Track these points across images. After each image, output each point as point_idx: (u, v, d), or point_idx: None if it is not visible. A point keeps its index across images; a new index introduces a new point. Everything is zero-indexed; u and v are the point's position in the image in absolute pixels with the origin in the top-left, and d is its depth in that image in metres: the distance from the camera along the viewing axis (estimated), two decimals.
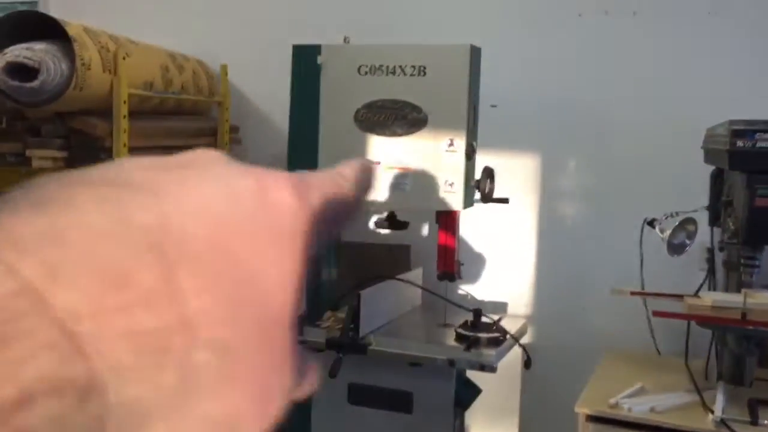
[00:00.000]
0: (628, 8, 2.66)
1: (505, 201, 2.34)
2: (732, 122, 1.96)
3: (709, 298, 2.02)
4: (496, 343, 2.17)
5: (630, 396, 2.08)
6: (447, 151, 2.20)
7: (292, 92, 2.37)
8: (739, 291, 2.01)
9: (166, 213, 0.23)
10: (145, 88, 2.58)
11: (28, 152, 2.39)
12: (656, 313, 2.10)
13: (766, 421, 1.89)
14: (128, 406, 0.21)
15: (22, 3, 3.65)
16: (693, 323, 2.16)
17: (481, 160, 2.32)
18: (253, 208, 0.24)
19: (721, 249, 2.19)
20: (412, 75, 2.21)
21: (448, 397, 2.17)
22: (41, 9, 3.32)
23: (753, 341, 2.01)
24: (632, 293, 2.31)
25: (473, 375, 2.25)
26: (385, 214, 2.33)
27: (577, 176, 2.79)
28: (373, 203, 2.29)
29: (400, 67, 2.21)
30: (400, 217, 2.33)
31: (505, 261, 2.85)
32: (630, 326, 2.58)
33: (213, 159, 0.27)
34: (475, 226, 2.80)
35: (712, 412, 1.92)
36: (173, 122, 2.85)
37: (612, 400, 2.03)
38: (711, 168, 2.26)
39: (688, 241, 2.19)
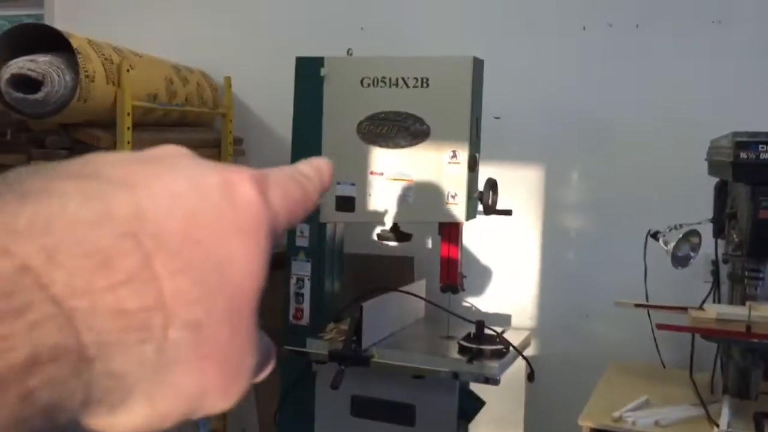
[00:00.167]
0: (631, 20, 2.66)
1: (508, 213, 2.34)
2: (735, 134, 1.95)
3: (714, 310, 2.01)
4: (499, 355, 2.17)
5: (634, 409, 2.06)
6: (450, 162, 2.19)
7: (295, 104, 2.38)
8: (743, 303, 2.00)
9: (142, 206, 0.25)
10: (149, 100, 2.59)
11: (32, 164, 2.40)
12: (660, 326, 2.08)
13: None
14: (113, 377, 0.24)
15: (28, 16, 3.67)
16: (698, 336, 2.14)
17: (484, 172, 2.32)
18: (219, 201, 0.27)
19: (725, 261, 2.17)
20: (414, 87, 2.21)
21: (452, 409, 2.16)
22: (46, 21, 3.35)
23: (758, 354, 2.00)
24: (636, 306, 2.30)
25: (476, 387, 2.24)
26: (388, 226, 2.32)
27: (580, 188, 2.78)
28: (376, 215, 2.29)
29: (403, 79, 2.21)
30: (404, 228, 2.33)
31: (509, 273, 2.84)
32: (634, 339, 2.56)
33: (180, 155, 0.29)
34: (479, 238, 2.80)
35: (718, 426, 1.91)
36: (177, 134, 2.86)
37: (616, 413, 2.02)
38: (715, 180, 2.25)
39: (692, 254, 2.18)
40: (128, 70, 2.42)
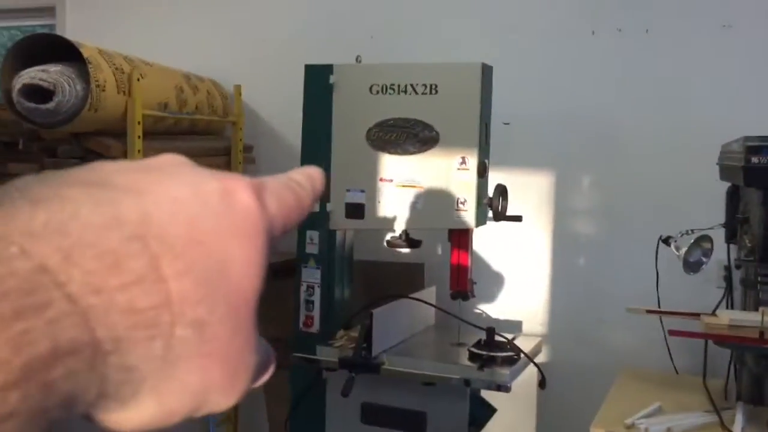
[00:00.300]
0: (641, 26, 2.65)
1: (518, 219, 2.33)
2: (747, 138, 1.94)
3: (726, 316, 1.99)
4: (510, 362, 2.16)
5: (647, 416, 2.04)
6: (459, 169, 2.19)
7: (304, 111, 2.38)
8: (757, 309, 1.98)
9: (148, 211, 0.26)
10: (159, 109, 2.61)
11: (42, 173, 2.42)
12: (672, 332, 2.07)
13: None
14: (125, 371, 0.25)
15: (41, 26, 3.71)
16: (711, 342, 2.12)
17: (494, 178, 2.32)
18: (219, 207, 0.28)
19: (738, 266, 2.16)
20: (423, 93, 2.21)
21: (463, 417, 2.15)
22: (58, 32, 3.38)
23: None
24: (648, 312, 2.28)
25: (487, 394, 2.23)
26: (398, 233, 2.32)
27: (590, 193, 2.77)
28: (386, 221, 2.29)
29: (412, 85, 2.21)
30: (414, 235, 2.33)
31: (519, 279, 2.83)
32: (646, 345, 2.55)
33: (180, 163, 0.30)
34: (489, 244, 2.79)
35: None
36: (187, 142, 2.87)
37: (628, 420, 2.00)
38: (727, 184, 2.23)
39: (704, 259, 2.16)
40: (139, 80, 2.44)
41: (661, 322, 2.33)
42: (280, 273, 2.35)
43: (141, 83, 2.45)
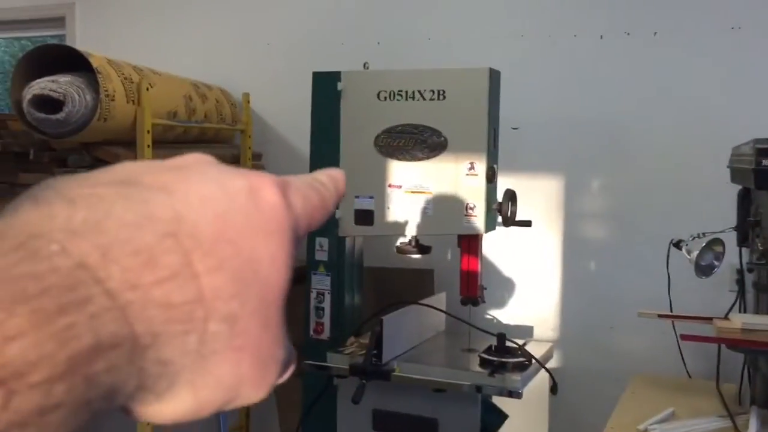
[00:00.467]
0: (648, 28, 2.64)
1: (527, 224, 2.32)
2: (757, 141, 1.92)
3: (739, 320, 1.97)
4: (521, 368, 2.14)
5: (660, 421, 2.03)
6: (467, 174, 2.19)
7: (312, 119, 2.39)
8: None
9: (178, 209, 0.27)
10: (168, 118, 2.62)
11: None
12: (684, 337, 2.05)
13: None
14: (162, 364, 0.26)
15: (51, 36, 3.74)
16: (724, 346, 2.11)
17: (503, 183, 2.31)
18: (246, 204, 0.28)
19: (750, 270, 2.14)
20: (431, 99, 2.21)
21: (474, 423, 2.14)
22: (68, 42, 3.40)
23: None
24: (660, 316, 2.26)
25: (499, 400, 2.22)
26: (407, 239, 2.32)
27: (600, 197, 2.76)
28: (395, 228, 2.28)
29: (419, 91, 2.21)
30: (423, 241, 2.32)
31: (530, 284, 2.82)
32: (659, 349, 2.53)
33: (207, 162, 0.31)
34: (498, 249, 2.78)
35: None
36: (196, 151, 2.88)
37: (641, 426, 1.99)
38: (738, 187, 2.22)
39: (716, 263, 2.14)
40: (147, 89, 2.45)
41: (674, 326, 2.31)
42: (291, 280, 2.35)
43: (150, 92, 2.46)
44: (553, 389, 2.22)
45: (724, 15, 2.55)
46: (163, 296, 0.26)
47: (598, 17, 2.71)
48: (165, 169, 0.29)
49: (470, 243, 2.25)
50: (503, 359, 2.15)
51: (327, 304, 2.38)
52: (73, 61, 2.30)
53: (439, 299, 2.54)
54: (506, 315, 2.83)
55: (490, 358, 2.16)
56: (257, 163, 3.13)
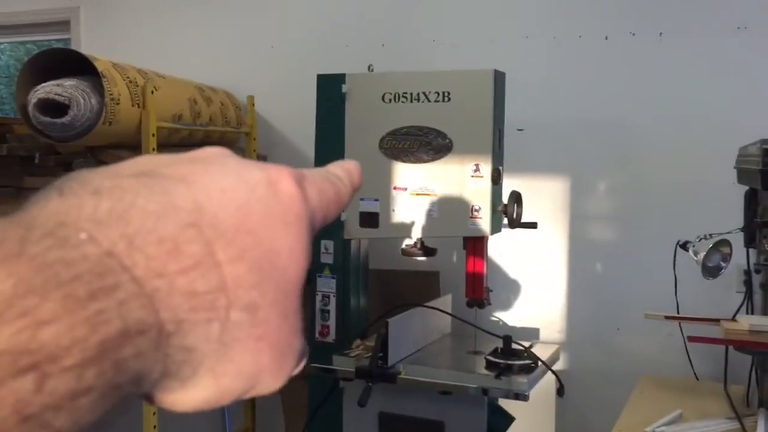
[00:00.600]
0: (654, 29, 2.64)
1: (533, 225, 2.31)
2: (764, 141, 1.91)
3: (746, 321, 1.96)
4: (528, 370, 2.14)
5: (667, 423, 2.02)
6: (473, 176, 2.18)
7: (317, 121, 2.38)
8: None
9: (199, 200, 0.28)
10: (173, 121, 2.62)
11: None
12: (692, 339, 2.04)
13: None
14: (186, 351, 0.26)
15: (56, 40, 3.75)
16: (732, 347, 2.09)
17: (509, 185, 2.30)
18: (265, 195, 0.29)
19: (757, 271, 2.13)
20: (436, 101, 2.20)
21: (481, 426, 2.13)
22: (73, 46, 3.41)
23: None
24: (666, 317, 2.25)
25: (505, 403, 2.21)
26: (413, 241, 2.31)
27: (606, 199, 2.75)
28: (401, 230, 2.28)
29: (424, 93, 2.21)
30: (428, 243, 2.32)
31: (536, 286, 2.81)
32: (666, 351, 2.52)
33: (225, 154, 0.31)
34: (504, 251, 2.78)
35: None
36: None
37: (648, 428, 1.98)
38: (745, 188, 2.21)
39: (723, 264, 2.13)
40: (152, 92, 2.45)
41: (681, 328, 2.30)
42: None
43: (155, 96, 2.46)
44: (560, 391, 2.21)
45: (730, 15, 2.54)
46: (187, 284, 0.26)
47: (603, 18, 2.70)
48: (185, 161, 0.30)
49: (476, 245, 2.25)
50: (509, 361, 2.14)
51: (332, 307, 2.38)
52: (78, 65, 2.31)
53: (445, 301, 2.54)
54: (512, 317, 2.82)
55: (497, 360, 2.15)
56: None
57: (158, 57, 3.14)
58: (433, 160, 2.22)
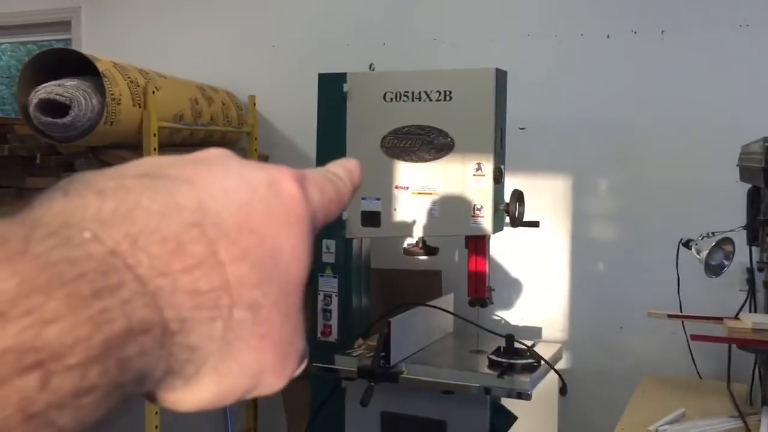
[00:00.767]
0: (656, 27, 2.63)
1: (535, 224, 2.31)
2: (766, 139, 1.91)
3: (750, 320, 1.96)
4: (530, 369, 2.13)
5: (670, 422, 2.01)
6: (475, 175, 2.18)
7: (319, 120, 2.38)
8: None
9: (202, 200, 0.28)
10: (174, 121, 2.62)
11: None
12: (694, 337, 2.04)
13: None
14: (189, 350, 0.27)
15: (57, 40, 3.75)
16: (735, 346, 2.09)
17: (511, 183, 2.30)
18: (267, 196, 0.29)
19: (760, 269, 2.12)
20: (437, 100, 2.20)
21: (483, 425, 2.13)
22: (74, 46, 3.41)
23: None
24: (669, 316, 2.25)
25: (508, 402, 2.21)
26: (414, 240, 2.31)
27: (608, 197, 2.74)
28: (402, 229, 2.28)
29: (426, 92, 2.21)
30: (430, 242, 2.32)
31: (538, 285, 2.81)
32: (669, 350, 2.51)
33: (227, 155, 0.32)
34: (506, 250, 2.77)
35: None
36: None
37: (652, 427, 1.97)
38: (747, 186, 2.20)
39: (725, 262, 2.13)
40: (153, 92, 2.45)
41: (683, 326, 2.30)
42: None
43: (156, 96, 2.46)
44: (563, 390, 2.21)
45: (732, 12, 2.54)
46: (190, 283, 0.26)
47: (605, 16, 2.70)
48: (188, 162, 0.30)
49: (478, 244, 2.24)
50: (512, 361, 2.14)
51: (334, 307, 2.37)
52: (80, 65, 2.31)
53: (447, 301, 2.54)
54: (514, 316, 2.82)
55: (499, 359, 2.15)
56: None
57: (159, 57, 3.14)
58: (434, 159, 2.21)
